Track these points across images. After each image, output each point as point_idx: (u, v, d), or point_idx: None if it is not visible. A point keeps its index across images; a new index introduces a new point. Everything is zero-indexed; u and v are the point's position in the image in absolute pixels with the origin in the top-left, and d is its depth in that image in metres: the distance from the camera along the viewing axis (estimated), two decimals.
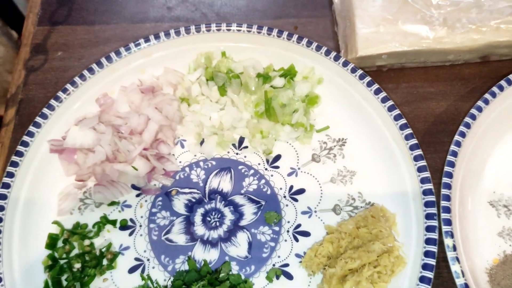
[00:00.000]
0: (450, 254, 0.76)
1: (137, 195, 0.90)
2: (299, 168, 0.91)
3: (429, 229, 0.79)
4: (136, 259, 0.85)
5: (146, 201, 0.89)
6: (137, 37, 0.98)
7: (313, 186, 0.89)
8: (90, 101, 0.95)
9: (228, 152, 0.93)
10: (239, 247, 0.85)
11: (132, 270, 0.84)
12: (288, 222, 0.87)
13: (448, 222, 0.78)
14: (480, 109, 0.86)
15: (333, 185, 0.89)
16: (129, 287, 0.82)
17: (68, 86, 0.93)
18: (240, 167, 0.92)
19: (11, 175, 0.86)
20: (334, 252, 0.81)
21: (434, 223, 0.79)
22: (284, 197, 0.89)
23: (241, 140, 0.94)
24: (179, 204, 0.89)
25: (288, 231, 0.86)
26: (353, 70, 0.92)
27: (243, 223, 0.87)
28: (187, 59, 0.99)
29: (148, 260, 0.84)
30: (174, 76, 0.97)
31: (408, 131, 0.85)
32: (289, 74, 0.94)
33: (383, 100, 0.89)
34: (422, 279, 0.76)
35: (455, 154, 0.82)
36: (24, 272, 0.82)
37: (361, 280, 0.76)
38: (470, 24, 0.91)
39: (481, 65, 1.00)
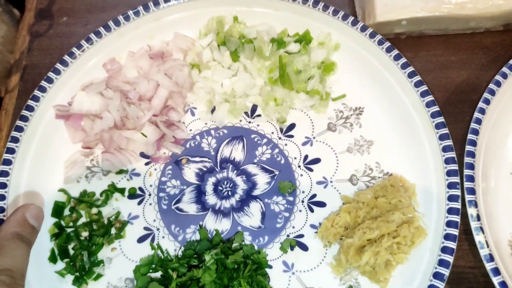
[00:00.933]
0: (474, 224, 0.73)
1: (146, 164, 0.87)
2: (314, 137, 0.88)
3: (451, 198, 0.76)
4: (146, 228, 0.82)
5: (155, 169, 0.86)
6: (146, 3, 0.95)
7: (329, 155, 0.86)
8: (97, 66, 0.92)
9: (240, 121, 0.90)
10: (252, 217, 0.82)
11: (141, 239, 0.81)
12: (303, 192, 0.83)
13: (472, 191, 0.74)
14: (505, 76, 0.82)
15: (350, 155, 0.86)
16: (139, 256, 0.79)
17: (75, 49, 0.90)
18: (252, 135, 0.88)
19: (15, 140, 0.83)
20: (351, 222, 0.78)
21: (457, 192, 0.76)
22: (299, 166, 0.85)
23: (254, 108, 0.91)
24: (190, 173, 0.86)
25: (303, 201, 0.83)
26: (372, 35, 0.88)
27: (256, 192, 0.84)
28: (198, 24, 0.95)
29: (157, 229, 0.82)
30: (184, 42, 0.93)
31: (430, 98, 0.82)
32: (304, 39, 0.91)
33: (403, 66, 0.85)
34: (444, 250, 0.73)
35: (479, 121, 0.79)
36: None
37: (380, 250, 0.73)
38: None
39: (503, 34, 0.96)
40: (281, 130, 0.89)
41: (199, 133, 0.89)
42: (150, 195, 0.84)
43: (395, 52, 0.86)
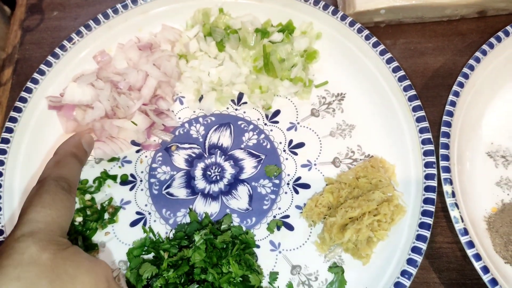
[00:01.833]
0: (449, 201, 0.77)
1: (137, 151, 0.90)
2: (298, 123, 0.91)
3: (428, 177, 0.80)
4: (138, 213, 0.85)
5: (146, 156, 0.90)
6: None
7: (313, 140, 0.89)
8: (88, 58, 0.95)
9: (227, 108, 0.93)
10: (240, 200, 0.86)
11: (133, 223, 0.84)
12: (288, 175, 0.87)
13: (447, 170, 0.78)
14: (478, 60, 0.86)
15: (333, 139, 0.89)
16: (131, 240, 0.83)
17: (65, 42, 0.93)
18: (239, 122, 0.92)
19: (10, 130, 0.86)
20: (334, 202, 0.82)
21: (433, 171, 0.80)
22: (284, 151, 0.89)
23: (240, 96, 0.94)
24: (179, 159, 0.89)
25: (288, 184, 0.86)
26: (351, 24, 0.91)
27: (243, 176, 0.87)
28: (184, 16, 0.98)
29: (149, 213, 0.85)
30: (171, 33, 0.96)
31: (407, 82, 0.86)
32: (287, 29, 0.94)
33: (382, 53, 0.89)
34: (422, 225, 0.77)
35: (453, 104, 0.83)
36: None
37: (361, 228, 0.77)
38: None
39: (478, 21, 1.00)
40: (267, 116, 0.92)
41: (188, 120, 0.92)
42: (141, 181, 0.88)
43: (374, 39, 0.90)
